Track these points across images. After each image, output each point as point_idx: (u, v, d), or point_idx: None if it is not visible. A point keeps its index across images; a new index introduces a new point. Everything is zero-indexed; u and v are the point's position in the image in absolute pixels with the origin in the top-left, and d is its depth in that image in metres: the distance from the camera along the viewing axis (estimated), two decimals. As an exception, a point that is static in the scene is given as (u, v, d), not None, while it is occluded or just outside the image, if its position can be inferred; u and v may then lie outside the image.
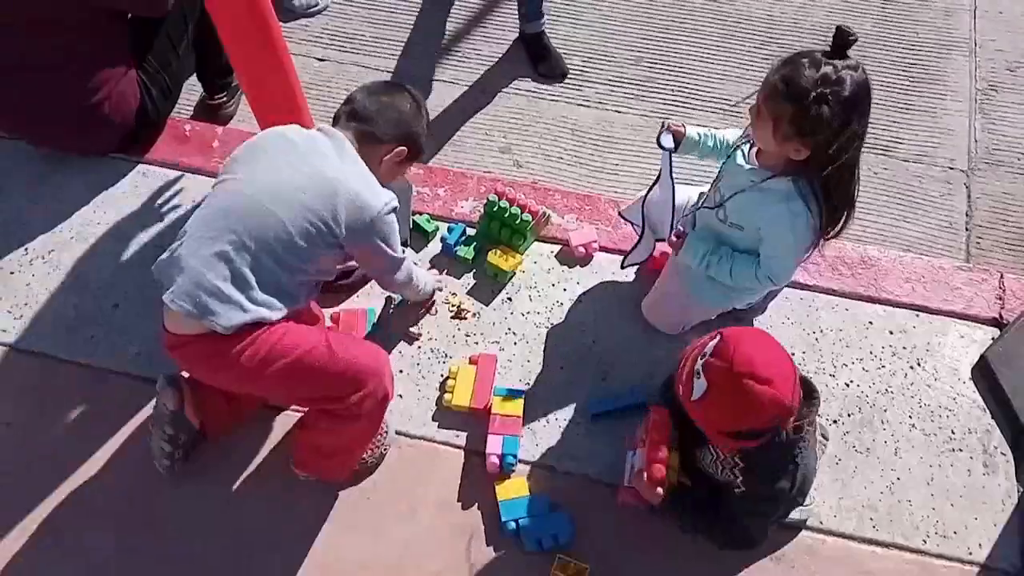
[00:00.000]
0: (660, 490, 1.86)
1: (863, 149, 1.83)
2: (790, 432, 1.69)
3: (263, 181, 1.78)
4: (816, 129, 1.71)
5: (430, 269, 2.53)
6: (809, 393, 1.77)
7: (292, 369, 1.80)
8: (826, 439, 2.21)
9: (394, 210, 1.89)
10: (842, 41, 1.68)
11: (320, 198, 1.77)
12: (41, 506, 2.17)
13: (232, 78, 3.04)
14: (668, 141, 2.03)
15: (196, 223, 1.81)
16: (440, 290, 2.44)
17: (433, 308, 2.43)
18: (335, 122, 1.92)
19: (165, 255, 1.83)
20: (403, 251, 2.02)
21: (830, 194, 1.83)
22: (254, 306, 1.75)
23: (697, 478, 1.96)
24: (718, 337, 1.63)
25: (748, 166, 1.96)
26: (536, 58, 3.29)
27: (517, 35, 3.36)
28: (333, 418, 1.93)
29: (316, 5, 3.45)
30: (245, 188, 1.79)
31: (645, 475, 1.87)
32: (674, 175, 2.05)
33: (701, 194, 2.20)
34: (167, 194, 2.72)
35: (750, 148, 1.98)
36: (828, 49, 1.71)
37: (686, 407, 1.68)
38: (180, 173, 2.77)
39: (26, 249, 2.61)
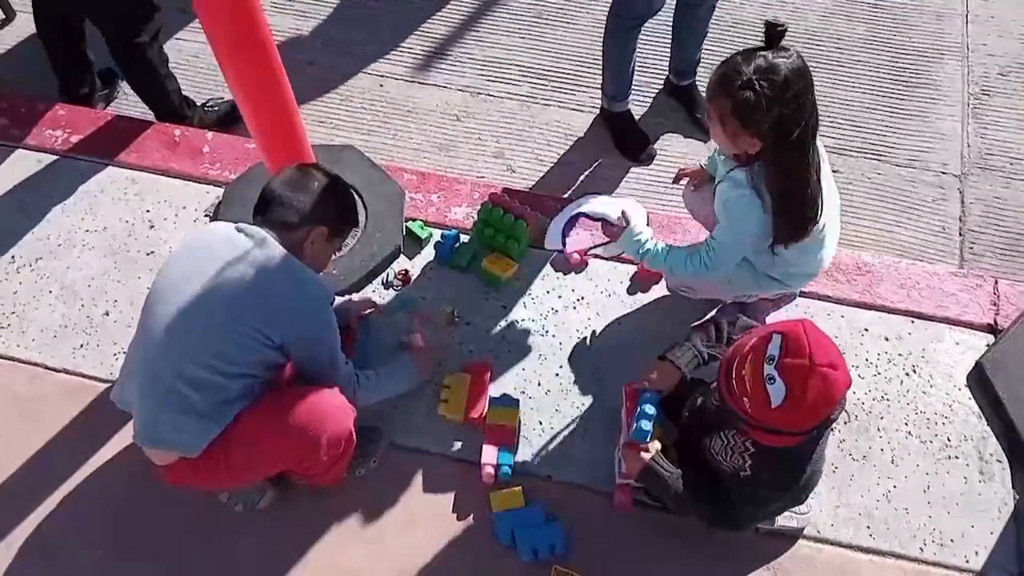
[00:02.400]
0: (644, 455, 1.90)
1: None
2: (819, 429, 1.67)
3: (190, 301, 1.79)
4: (754, 115, 1.77)
5: (419, 318, 2.39)
6: None
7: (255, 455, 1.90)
8: (822, 447, 2.21)
9: (330, 303, 1.92)
10: (772, 33, 1.79)
11: (248, 308, 1.79)
12: (30, 519, 2.14)
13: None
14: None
15: (137, 353, 1.87)
16: (440, 361, 2.34)
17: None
18: (255, 219, 1.90)
19: (120, 381, 1.96)
20: (345, 361, 1.99)
21: (782, 183, 1.88)
22: (213, 424, 1.82)
23: (696, 465, 1.94)
24: (775, 338, 1.55)
25: (723, 158, 2.06)
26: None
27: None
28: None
29: None
30: (172, 312, 1.80)
31: (626, 445, 1.96)
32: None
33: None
34: (156, 200, 2.69)
35: None
36: (762, 44, 1.81)
37: (757, 419, 1.59)
38: (169, 179, 2.74)
39: (13, 256, 2.58)
